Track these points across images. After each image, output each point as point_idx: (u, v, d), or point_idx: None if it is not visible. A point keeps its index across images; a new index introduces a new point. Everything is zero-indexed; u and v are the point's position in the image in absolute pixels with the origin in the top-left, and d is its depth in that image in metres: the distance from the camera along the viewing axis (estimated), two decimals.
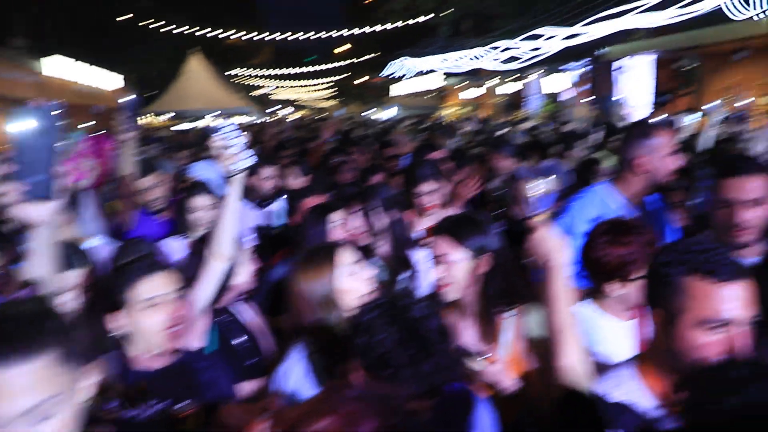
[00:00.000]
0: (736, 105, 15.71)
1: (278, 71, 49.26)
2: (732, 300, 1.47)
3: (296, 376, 2.05)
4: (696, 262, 1.51)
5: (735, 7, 11.86)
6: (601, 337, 2.22)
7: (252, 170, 3.98)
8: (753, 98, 14.96)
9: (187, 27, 28.96)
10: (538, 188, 1.89)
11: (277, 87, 55.98)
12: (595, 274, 2.27)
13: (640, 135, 2.92)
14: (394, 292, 2.96)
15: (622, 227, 2.23)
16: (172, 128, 23.52)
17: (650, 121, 4.09)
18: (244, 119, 26.20)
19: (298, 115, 49.22)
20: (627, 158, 2.92)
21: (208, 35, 30.20)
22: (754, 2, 11.69)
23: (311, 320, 2.07)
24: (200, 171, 5.06)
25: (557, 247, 1.84)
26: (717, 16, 14.99)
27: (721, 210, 2.36)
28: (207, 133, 10.44)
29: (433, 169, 3.82)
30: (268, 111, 32.92)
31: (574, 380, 1.76)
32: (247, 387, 2.58)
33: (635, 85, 19.62)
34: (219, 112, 25.57)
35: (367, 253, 2.98)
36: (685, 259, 1.52)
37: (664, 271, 1.55)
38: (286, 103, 59.96)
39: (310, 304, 2.08)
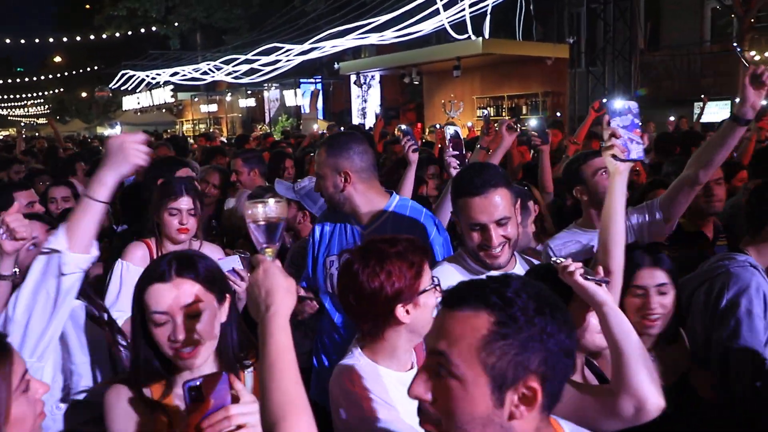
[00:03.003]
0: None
1: None
2: None
3: None
4: None
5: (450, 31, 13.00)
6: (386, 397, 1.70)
7: None
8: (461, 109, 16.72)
9: None
10: (263, 215, 1.42)
11: None
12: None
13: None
14: None
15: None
16: None
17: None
18: None
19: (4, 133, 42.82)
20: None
21: None
22: (466, 28, 12.94)
23: None
24: None
25: (282, 289, 1.38)
26: (436, 37, 16.41)
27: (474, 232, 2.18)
28: None
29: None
30: None
31: None
32: None
33: (368, 99, 20.65)
34: None
35: None
36: None
37: None
38: None
39: None
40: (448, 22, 12.79)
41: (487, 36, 12.94)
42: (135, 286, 1.72)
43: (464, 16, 12.93)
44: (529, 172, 4.79)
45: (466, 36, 12.89)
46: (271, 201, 1.44)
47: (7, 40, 27.43)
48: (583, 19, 17.24)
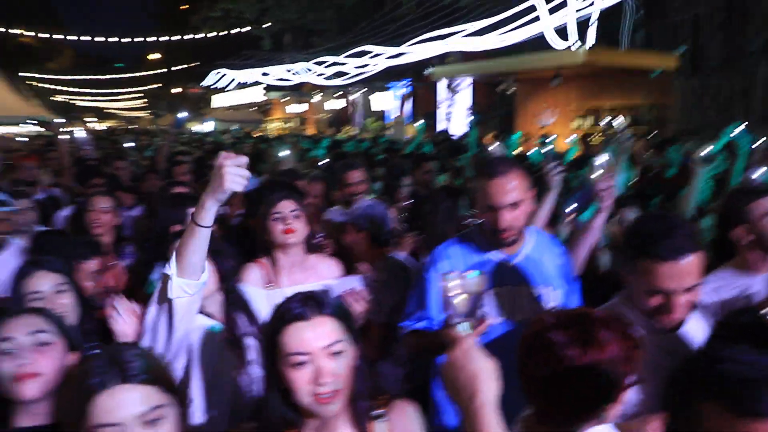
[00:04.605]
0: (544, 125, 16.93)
1: (81, 77, 44.93)
2: None
3: None
4: None
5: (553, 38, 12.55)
6: None
7: None
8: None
9: None
10: (461, 287, 1.22)
11: (80, 94, 51.09)
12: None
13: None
14: None
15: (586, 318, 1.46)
16: None
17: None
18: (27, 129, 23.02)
19: (104, 125, 45.22)
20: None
21: None
22: (570, 35, 12.45)
23: None
24: None
25: (485, 374, 1.22)
26: (533, 45, 15.96)
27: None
28: None
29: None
30: (57, 121, 28.91)
31: None
32: None
33: (456, 105, 20.38)
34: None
35: None
36: None
37: None
38: (91, 111, 55.07)
39: None
40: (552, 30, 12.34)
41: (590, 45, 12.39)
42: (266, 327, 1.60)
43: (566, 23, 12.45)
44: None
45: (568, 44, 12.40)
46: (472, 274, 1.24)
47: (112, 39, 28.85)
48: (689, 28, 16.29)
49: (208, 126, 32.07)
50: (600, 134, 14.52)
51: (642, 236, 1.93)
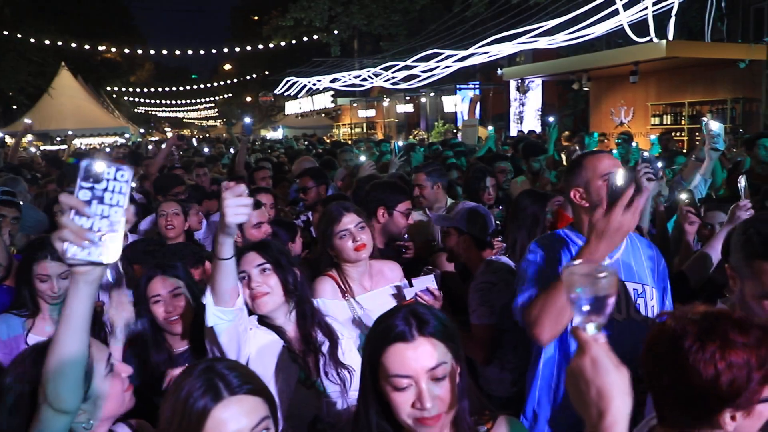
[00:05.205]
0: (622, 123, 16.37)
1: (160, 89, 46.91)
2: None
3: None
4: None
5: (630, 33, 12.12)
6: None
7: None
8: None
9: (51, 38, 26.21)
10: (593, 285, 1.13)
11: (159, 105, 53.35)
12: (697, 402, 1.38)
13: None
14: None
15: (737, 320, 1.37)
16: (33, 149, 21.00)
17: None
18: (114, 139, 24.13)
19: (183, 133, 47.00)
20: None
21: (79, 48, 27.57)
22: (644, 31, 12.00)
23: None
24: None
25: (617, 389, 1.10)
26: (605, 41, 15.49)
27: None
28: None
29: None
30: (142, 131, 30.10)
31: None
32: None
33: (526, 104, 20.03)
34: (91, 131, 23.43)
35: None
36: None
37: None
38: (168, 121, 57.42)
39: None
40: (627, 24, 11.91)
41: (671, 38, 11.87)
42: (367, 344, 1.56)
43: (644, 16, 11.98)
44: None
45: (647, 39, 11.92)
46: (606, 273, 1.14)
47: (189, 52, 29.93)
48: None
49: (278, 133, 32.80)
50: (682, 133, 13.95)
51: (760, 237, 1.82)
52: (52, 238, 1.37)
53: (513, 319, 2.33)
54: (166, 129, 46.68)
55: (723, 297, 2.61)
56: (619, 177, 1.94)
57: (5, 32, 22.59)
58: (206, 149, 15.69)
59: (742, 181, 3.35)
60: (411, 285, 2.72)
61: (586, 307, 1.11)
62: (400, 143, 10.36)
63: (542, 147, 7.01)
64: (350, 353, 2.32)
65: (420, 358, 1.45)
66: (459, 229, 3.12)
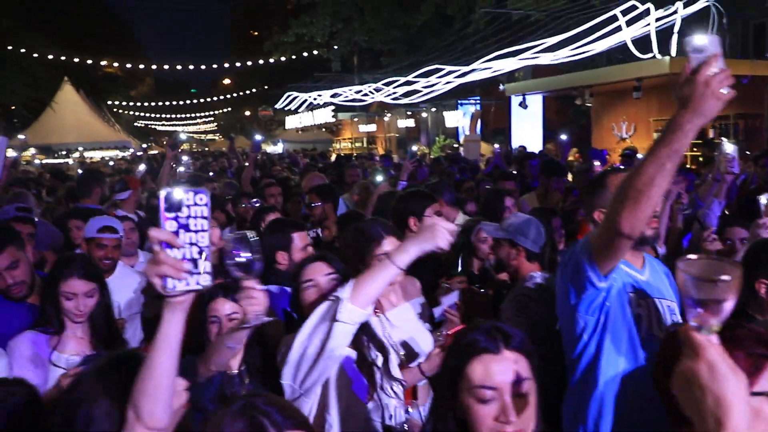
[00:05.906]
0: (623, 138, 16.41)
1: (160, 103, 47.04)
2: None
3: None
4: None
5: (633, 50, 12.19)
6: None
7: None
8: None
9: (54, 53, 26.25)
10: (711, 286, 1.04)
11: (159, 119, 53.47)
12: None
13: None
14: None
15: None
16: (37, 162, 21.05)
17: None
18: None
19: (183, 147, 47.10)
20: None
21: (81, 63, 27.63)
22: (650, 47, 12.07)
23: None
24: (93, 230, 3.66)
25: (737, 398, 1.00)
26: (607, 57, 15.55)
27: None
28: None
29: None
30: (145, 146, 30.01)
31: None
32: None
33: (529, 121, 20.06)
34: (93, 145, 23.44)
35: None
36: None
37: None
38: (168, 135, 57.46)
39: None
40: (630, 40, 11.98)
41: (673, 54, 11.94)
42: (449, 358, 1.56)
43: (647, 32, 12.06)
44: None
45: (650, 55, 11.99)
46: (727, 276, 1.05)
47: (190, 66, 30.03)
48: None
49: (278, 147, 32.77)
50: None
51: None
52: (147, 274, 1.34)
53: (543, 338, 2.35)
54: (165, 142, 46.74)
55: (744, 314, 2.61)
56: (699, 39, 1.71)
57: (9, 47, 22.63)
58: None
59: (764, 199, 3.37)
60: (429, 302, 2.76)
61: (705, 308, 1.04)
62: (414, 148, 10.41)
63: (563, 166, 7.02)
64: (394, 368, 2.31)
65: (506, 371, 1.44)
66: (512, 241, 3.11)
